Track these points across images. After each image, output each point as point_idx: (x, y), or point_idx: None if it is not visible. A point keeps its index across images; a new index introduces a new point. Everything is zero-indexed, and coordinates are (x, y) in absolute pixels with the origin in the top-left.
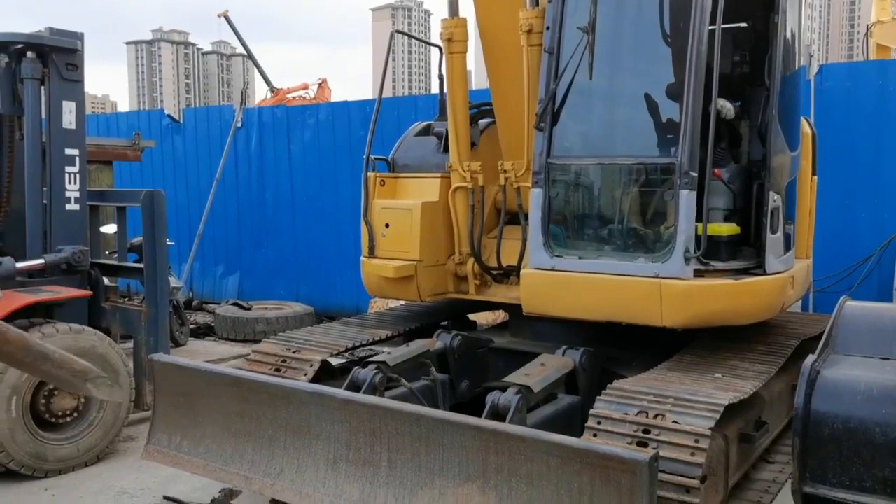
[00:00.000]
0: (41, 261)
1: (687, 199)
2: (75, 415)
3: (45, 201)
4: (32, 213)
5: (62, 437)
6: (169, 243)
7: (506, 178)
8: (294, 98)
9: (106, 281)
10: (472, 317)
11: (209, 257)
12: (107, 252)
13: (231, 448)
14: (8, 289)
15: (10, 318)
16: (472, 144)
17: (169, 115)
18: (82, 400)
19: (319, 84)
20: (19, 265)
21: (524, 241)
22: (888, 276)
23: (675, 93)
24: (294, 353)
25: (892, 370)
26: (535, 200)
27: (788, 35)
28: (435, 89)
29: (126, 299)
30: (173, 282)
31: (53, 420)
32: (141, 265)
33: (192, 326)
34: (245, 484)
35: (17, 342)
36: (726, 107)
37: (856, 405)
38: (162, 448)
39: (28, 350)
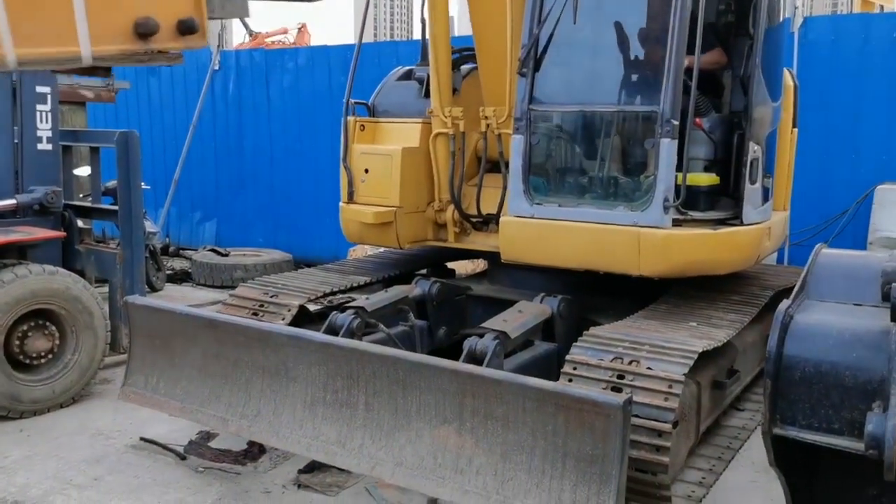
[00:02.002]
0: (13, 201)
1: (668, 147)
2: (50, 356)
3: (15, 140)
4: (3, 152)
5: (37, 378)
6: (144, 187)
7: (487, 125)
8: (273, 42)
9: (80, 223)
10: (450, 265)
11: (186, 203)
12: (80, 195)
13: (208, 390)
14: None
15: None
16: (454, 90)
17: None
18: (57, 342)
19: (299, 28)
20: None
21: (504, 188)
22: (863, 230)
23: (658, 41)
24: (272, 297)
25: (864, 315)
26: (515, 147)
27: None
28: (416, 35)
29: (101, 244)
30: (149, 226)
31: (28, 361)
32: (115, 207)
33: (168, 272)
34: (222, 426)
35: None
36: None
37: (827, 349)
38: (138, 390)
39: None
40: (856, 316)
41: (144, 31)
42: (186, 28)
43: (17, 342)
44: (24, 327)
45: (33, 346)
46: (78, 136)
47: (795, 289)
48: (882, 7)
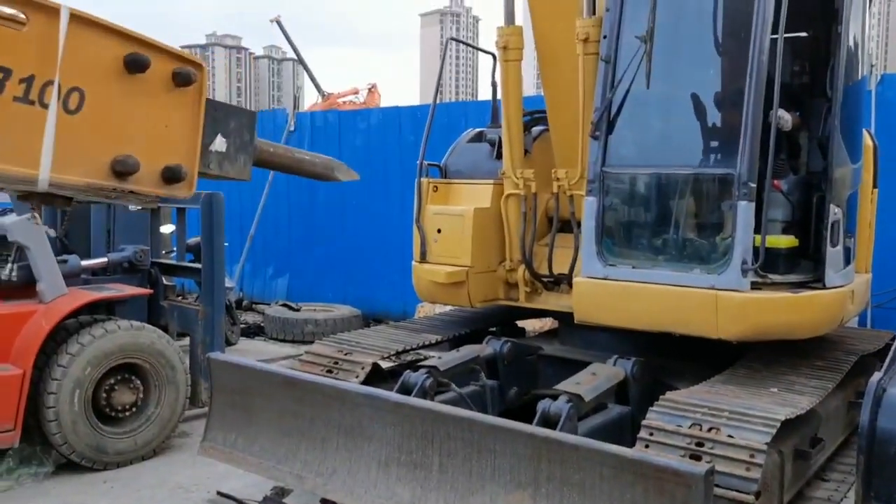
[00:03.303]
0: (104, 259)
1: (745, 210)
2: (134, 409)
3: (108, 202)
4: (97, 213)
5: (121, 430)
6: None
7: (559, 186)
8: (344, 102)
9: (164, 280)
10: (519, 324)
11: (260, 258)
12: (164, 252)
13: (284, 447)
14: (73, 286)
15: (74, 314)
16: (525, 152)
17: None
18: (141, 395)
19: (369, 89)
20: (84, 263)
21: (576, 248)
22: None
23: (734, 102)
24: (346, 355)
25: None
26: (588, 209)
27: (851, 44)
28: (482, 95)
29: (181, 298)
30: (226, 282)
31: (113, 414)
32: (198, 265)
33: (242, 326)
34: (297, 483)
35: (285, 155)
36: (785, 117)
37: None
38: (217, 445)
39: (294, 159)
40: None
41: (122, 169)
42: (172, 175)
43: (104, 395)
44: (111, 381)
45: (119, 399)
46: (166, 198)
47: (888, 360)
48: None
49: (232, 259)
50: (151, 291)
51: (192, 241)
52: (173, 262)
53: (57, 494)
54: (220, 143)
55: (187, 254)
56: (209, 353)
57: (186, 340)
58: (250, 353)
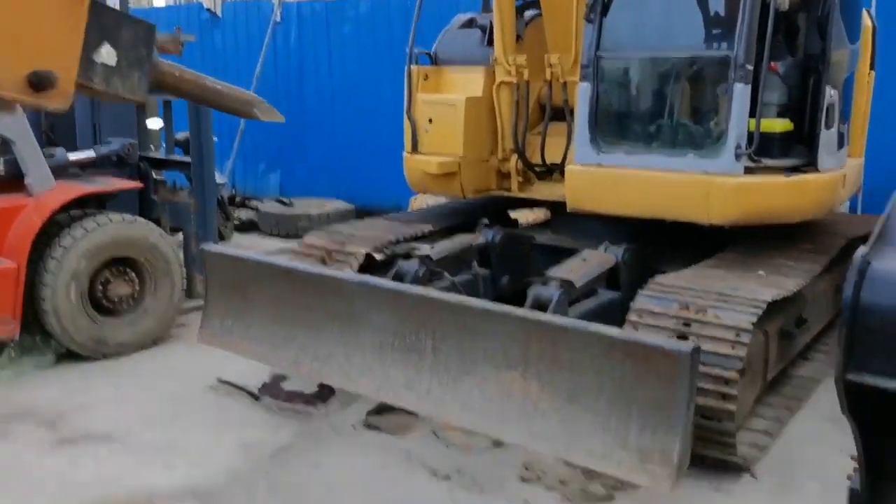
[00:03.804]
0: (92, 153)
1: (741, 93)
2: (131, 302)
3: None
4: (81, 106)
5: (120, 321)
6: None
7: (552, 73)
8: None
9: (154, 175)
10: (512, 215)
11: (250, 155)
12: (152, 147)
13: (281, 335)
14: (61, 180)
15: (65, 208)
16: (517, 37)
17: (208, 9)
18: (136, 288)
19: None
20: (71, 157)
21: (569, 137)
22: None
23: None
24: (340, 245)
25: None
26: (582, 95)
27: None
28: None
29: (173, 193)
30: (217, 177)
31: (111, 306)
32: (188, 159)
33: (235, 222)
34: (294, 368)
35: (194, 82)
36: None
37: None
38: (215, 333)
39: (205, 88)
40: None
41: None
42: (39, 81)
43: (101, 288)
44: (107, 274)
45: (115, 291)
46: None
47: (874, 234)
48: None
49: (222, 156)
50: (142, 185)
51: (181, 135)
52: (162, 156)
53: (60, 382)
54: (107, 55)
55: (176, 149)
56: (202, 245)
57: (180, 236)
58: (245, 247)
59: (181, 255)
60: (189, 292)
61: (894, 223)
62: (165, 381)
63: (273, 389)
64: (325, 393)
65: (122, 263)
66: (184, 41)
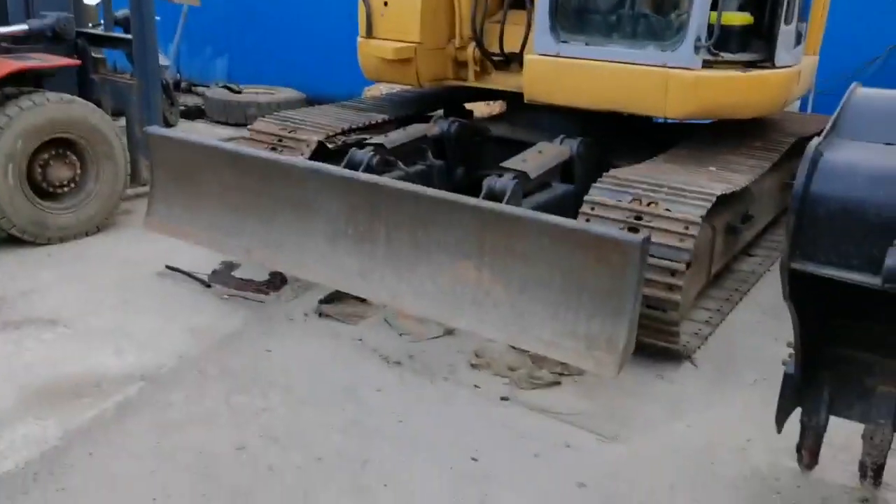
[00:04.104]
0: (25, 26)
1: None
2: (72, 185)
3: None
4: None
5: (61, 206)
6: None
7: None
8: None
9: (93, 53)
10: (468, 107)
11: (196, 38)
12: (90, 25)
13: (231, 221)
14: None
15: None
16: None
17: None
18: (78, 171)
19: None
20: (1, 30)
21: (528, 25)
22: (892, 79)
23: None
24: (290, 132)
25: (894, 155)
26: None
27: None
28: None
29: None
30: (161, 59)
31: (51, 190)
32: (129, 36)
33: (182, 108)
34: (245, 255)
35: None
36: None
37: (855, 186)
38: (162, 220)
39: None
40: (887, 155)
41: None
42: None
43: (40, 170)
44: (45, 156)
45: (55, 174)
46: None
47: (827, 127)
48: None
49: (166, 38)
50: (79, 62)
51: (120, 13)
52: (100, 32)
53: (0, 266)
54: None
55: (115, 27)
56: (147, 128)
57: (123, 121)
58: (192, 134)
59: (125, 139)
60: (134, 178)
61: (848, 116)
62: (111, 268)
63: (223, 277)
64: (276, 281)
65: (62, 146)
66: None
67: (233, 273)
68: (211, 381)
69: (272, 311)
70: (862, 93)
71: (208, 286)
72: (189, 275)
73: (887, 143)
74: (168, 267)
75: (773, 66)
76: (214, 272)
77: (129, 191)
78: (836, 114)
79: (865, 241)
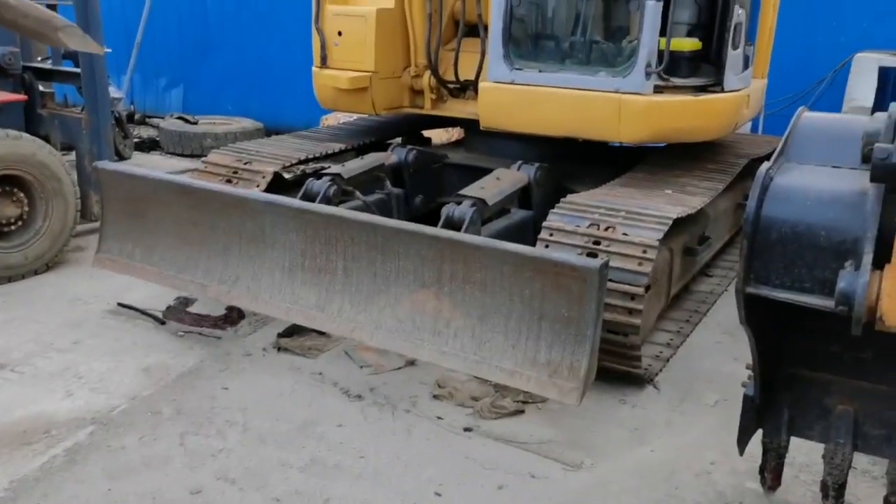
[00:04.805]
0: None
1: (652, 10)
2: (20, 223)
3: None
4: None
5: (9, 244)
6: (105, 50)
7: None
8: None
9: (41, 87)
10: (426, 134)
11: (150, 68)
12: (39, 58)
13: (185, 256)
14: None
15: None
16: None
17: None
18: (26, 209)
19: None
20: None
21: (483, 53)
22: (839, 100)
23: None
24: (245, 164)
25: (843, 177)
26: (496, 10)
27: None
28: None
29: (66, 109)
30: (113, 92)
31: None
32: (78, 70)
33: (136, 140)
34: (200, 291)
35: None
36: None
37: (805, 210)
38: (113, 256)
39: None
40: (835, 178)
41: None
42: None
43: None
44: None
45: (2, 212)
46: None
47: (776, 151)
48: None
49: (119, 69)
50: (26, 97)
51: None
52: (49, 66)
53: None
54: None
55: (65, 61)
56: (97, 163)
57: (73, 155)
58: (146, 166)
59: (74, 174)
60: (84, 213)
61: (796, 140)
62: (61, 307)
63: (178, 313)
64: (233, 316)
65: (9, 183)
66: None
67: (188, 309)
68: (165, 422)
69: (229, 346)
70: (808, 117)
71: (162, 323)
72: (142, 312)
73: (834, 166)
74: (120, 304)
75: (723, 91)
76: (169, 308)
77: (80, 227)
78: (784, 138)
79: (817, 263)
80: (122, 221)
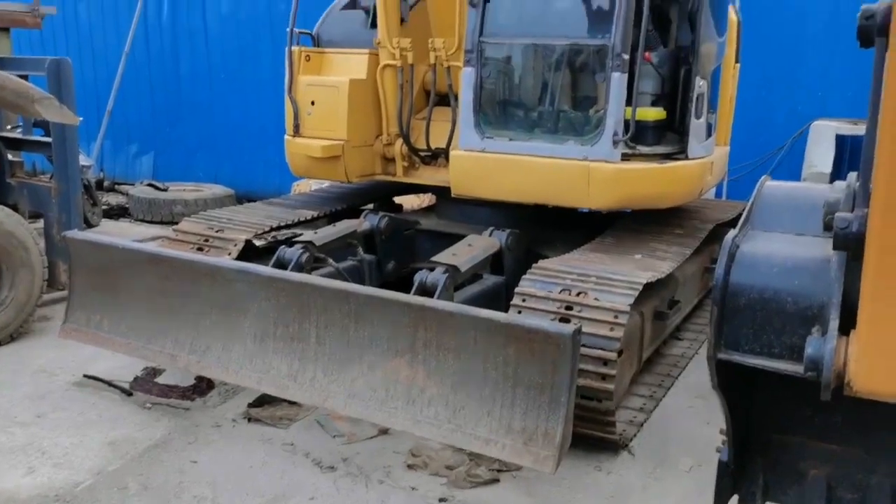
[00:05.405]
0: None
1: (618, 81)
2: None
3: None
4: None
5: None
6: (79, 119)
7: (436, 57)
8: None
9: (10, 156)
10: (397, 200)
11: (121, 135)
12: (8, 126)
13: (154, 326)
14: None
15: None
16: (402, 20)
17: None
18: None
19: None
20: None
21: (454, 122)
22: (798, 166)
23: None
24: (217, 232)
25: (806, 245)
26: (466, 80)
27: None
28: None
29: (34, 177)
30: (83, 160)
31: None
32: (48, 139)
33: (105, 207)
34: (170, 362)
35: None
36: None
37: (771, 276)
38: (80, 327)
39: None
40: (798, 245)
41: None
42: None
43: None
44: None
45: None
46: (4, 63)
47: (742, 219)
48: None
49: (89, 137)
50: None
51: None
52: (18, 135)
53: None
54: None
55: (36, 129)
56: (65, 232)
57: (41, 223)
58: (115, 234)
59: (42, 242)
60: (52, 282)
61: (760, 208)
62: (25, 379)
63: (145, 384)
64: (203, 386)
65: None
66: (44, 14)
67: (156, 379)
68: (131, 498)
69: (198, 417)
70: (771, 186)
71: (130, 394)
72: (109, 383)
73: (798, 234)
74: (86, 376)
75: (688, 158)
76: (136, 379)
77: (47, 296)
78: (748, 206)
79: (785, 329)
80: (90, 291)
